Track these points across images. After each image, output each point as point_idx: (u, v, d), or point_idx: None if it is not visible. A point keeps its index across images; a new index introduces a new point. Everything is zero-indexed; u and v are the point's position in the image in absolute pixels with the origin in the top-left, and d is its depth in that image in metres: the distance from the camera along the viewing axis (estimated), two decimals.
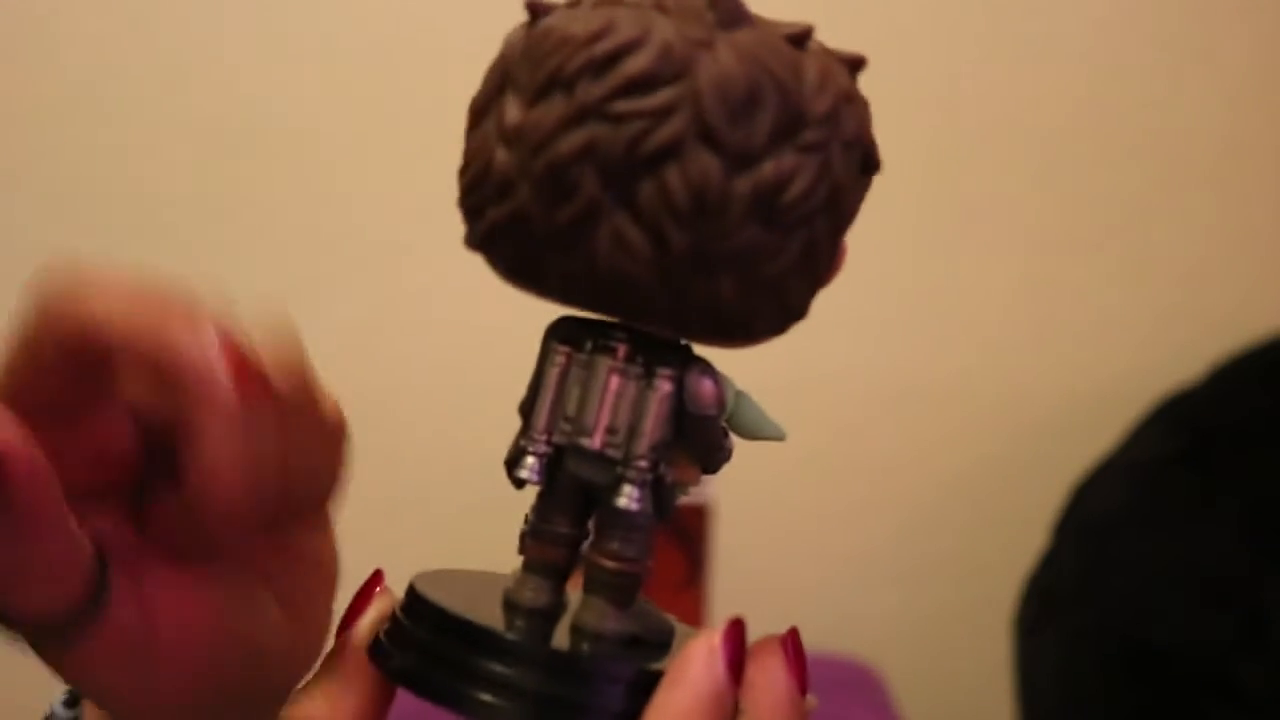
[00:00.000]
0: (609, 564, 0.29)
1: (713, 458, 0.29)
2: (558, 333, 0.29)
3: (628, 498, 0.28)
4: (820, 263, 0.28)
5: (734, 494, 1.13)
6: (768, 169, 0.26)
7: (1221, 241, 1.13)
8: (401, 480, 1.09)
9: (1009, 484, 1.14)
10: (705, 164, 0.26)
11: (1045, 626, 0.98)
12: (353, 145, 1.09)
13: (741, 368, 1.04)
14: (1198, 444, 0.97)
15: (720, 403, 0.29)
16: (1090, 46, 1.10)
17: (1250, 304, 1.11)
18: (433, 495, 1.10)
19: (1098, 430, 1.04)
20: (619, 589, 0.29)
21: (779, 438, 0.30)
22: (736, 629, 0.27)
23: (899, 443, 1.14)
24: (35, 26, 1.08)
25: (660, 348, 0.28)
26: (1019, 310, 1.13)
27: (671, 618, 0.31)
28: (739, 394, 0.30)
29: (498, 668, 0.27)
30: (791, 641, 0.29)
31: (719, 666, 0.26)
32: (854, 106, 0.28)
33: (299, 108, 1.09)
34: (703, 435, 0.29)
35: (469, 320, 0.99)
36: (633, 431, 0.28)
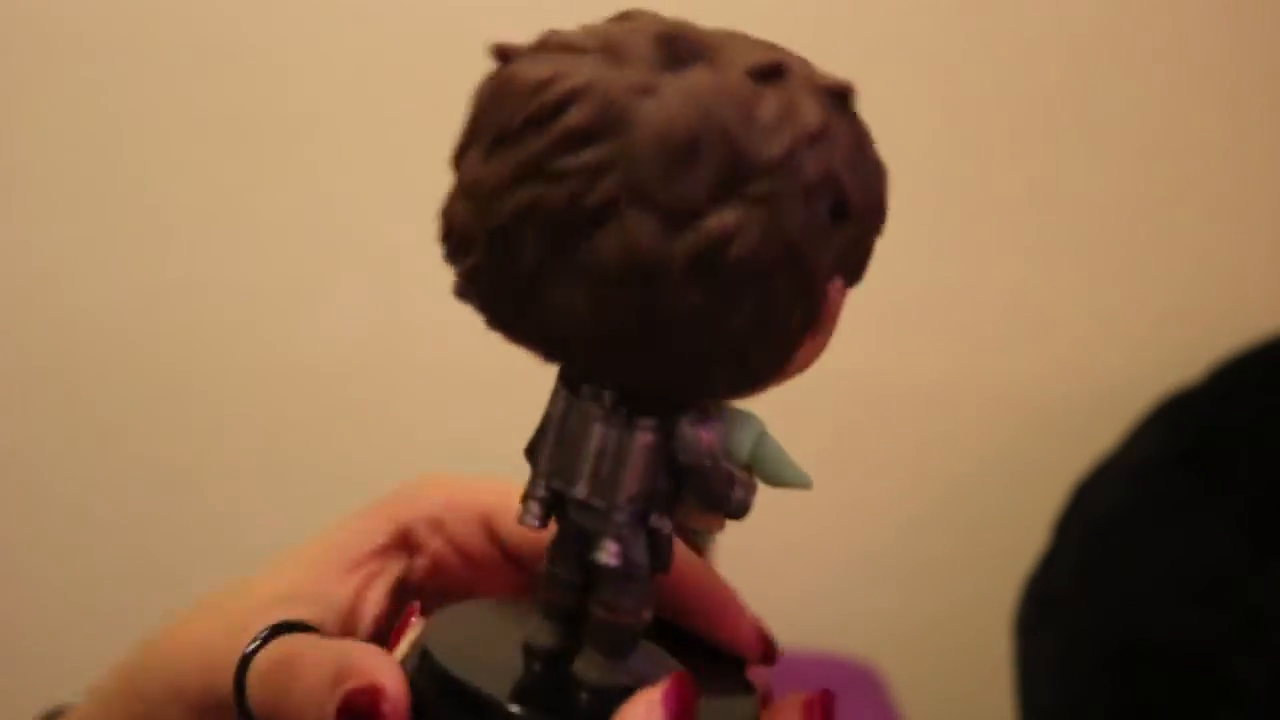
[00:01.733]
0: (600, 613, 0.29)
1: (723, 506, 0.28)
2: (563, 374, 0.28)
3: (605, 552, 0.27)
4: (785, 322, 0.26)
5: None
6: (709, 226, 0.24)
7: (1221, 241, 1.13)
8: (406, 478, 1.08)
9: (1009, 484, 1.14)
10: (641, 224, 0.24)
11: (1045, 626, 0.98)
12: (355, 143, 1.09)
13: None
14: (1198, 444, 0.97)
15: (712, 453, 0.27)
16: (1090, 46, 1.10)
17: (1250, 304, 1.11)
18: None
19: (1098, 430, 1.04)
20: (610, 639, 0.29)
21: (803, 485, 0.29)
22: (680, 685, 0.26)
23: (899, 443, 1.14)
24: (35, 26, 1.08)
25: (650, 396, 0.27)
26: (1019, 310, 1.13)
27: (674, 664, 0.30)
28: (761, 436, 0.29)
29: None
30: (820, 704, 0.28)
31: None
32: (821, 146, 0.25)
33: (299, 106, 1.09)
34: (702, 485, 0.28)
35: (474, 320, 0.99)
36: (615, 482, 0.27)
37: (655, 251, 0.24)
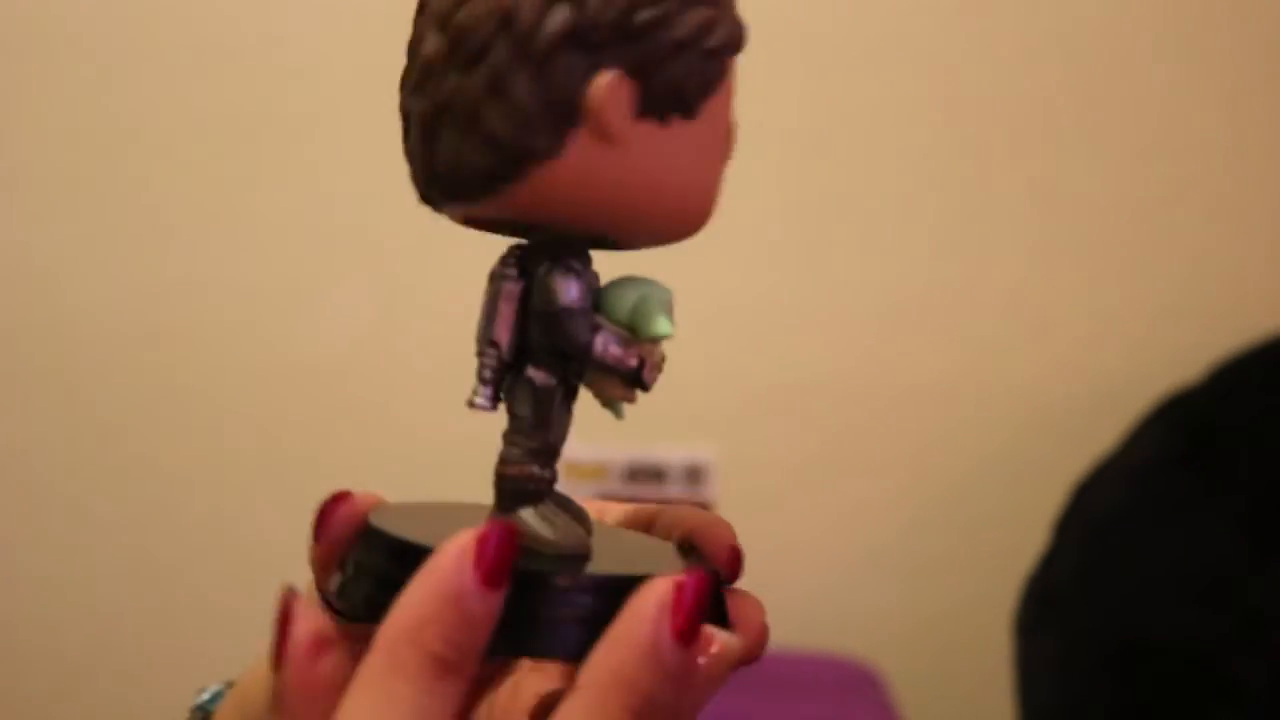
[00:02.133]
0: (496, 467, 0.30)
1: (578, 358, 0.29)
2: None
3: (475, 395, 0.29)
4: (513, 90, 0.27)
5: (734, 494, 1.13)
6: (458, 16, 0.28)
7: (1221, 241, 1.13)
8: (406, 477, 1.08)
9: (1009, 484, 1.14)
10: (429, 37, 0.28)
11: (1045, 626, 0.98)
12: (355, 143, 1.09)
13: (742, 368, 1.04)
14: (1198, 444, 0.97)
15: (564, 302, 0.28)
16: (1090, 46, 1.10)
17: (1250, 304, 1.11)
18: (439, 491, 1.10)
19: (1098, 430, 1.04)
20: (499, 491, 0.30)
21: (660, 335, 0.29)
22: (499, 536, 0.26)
23: (899, 443, 1.14)
24: (35, 26, 1.08)
25: (537, 252, 0.29)
26: (1018, 310, 1.13)
27: (591, 519, 0.31)
28: (644, 299, 0.29)
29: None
30: (688, 586, 0.26)
31: (466, 567, 0.25)
32: None
33: (299, 107, 1.09)
34: (548, 333, 0.29)
35: (474, 320, 0.99)
36: (485, 331, 0.29)
37: (433, 52, 0.28)
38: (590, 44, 0.27)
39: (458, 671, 0.25)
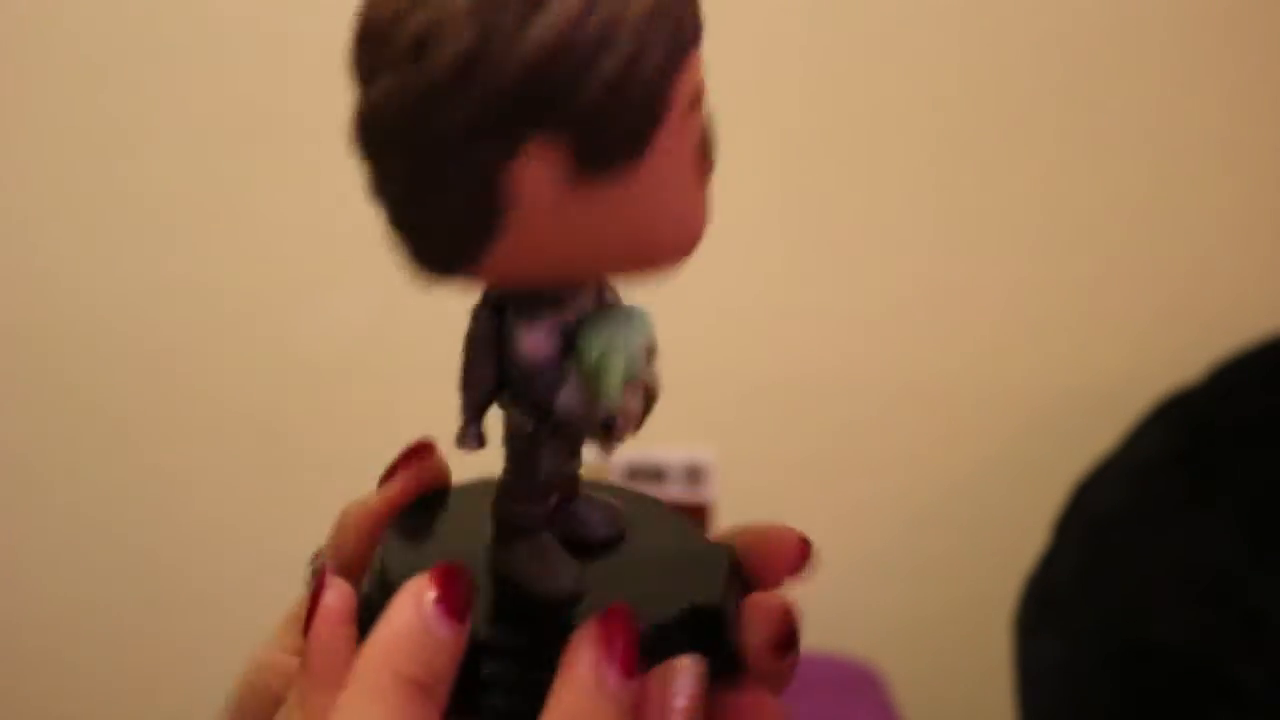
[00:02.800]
0: (493, 502, 0.30)
1: (541, 411, 0.28)
2: None
3: (459, 431, 0.29)
4: (435, 186, 0.25)
5: (734, 494, 1.13)
6: (362, 97, 0.26)
7: (1221, 241, 1.13)
8: None
9: (1009, 484, 1.14)
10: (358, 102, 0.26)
11: (1045, 626, 0.98)
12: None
13: (742, 367, 1.04)
14: (1198, 444, 0.97)
15: (527, 351, 0.27)
16: (1090, 45, 1.10)
17: (1250, 304, 1.11)
18: None
19: (1098, 430, 1.04)
20: (497, 529, 0.30)
21: (610, 406, 0.27)
22: (448, 575, 0.27)
23: (899, 442, 1.14)
24: (35, 26, 1.08)
25: (508, 300, 0.28)
26: (1018, 310, 1.13)
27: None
28: (608, 352, 0.27)
29: None
30: (612, 623, 0.27)
31: (425, 606, 0.26)
32: (426, 3, 0.24)
33: (299, 106, 1.09)
34: (514, 382, 0.28)
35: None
36: (461, 373, 0.29)
37: (353, 145, 0.26)
38: (498, 127, 0.23)
39: (429, 694, 0.26)
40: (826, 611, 1.17)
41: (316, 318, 1.11)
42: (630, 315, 0.27)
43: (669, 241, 0.26)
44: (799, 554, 0.31)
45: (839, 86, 1.07)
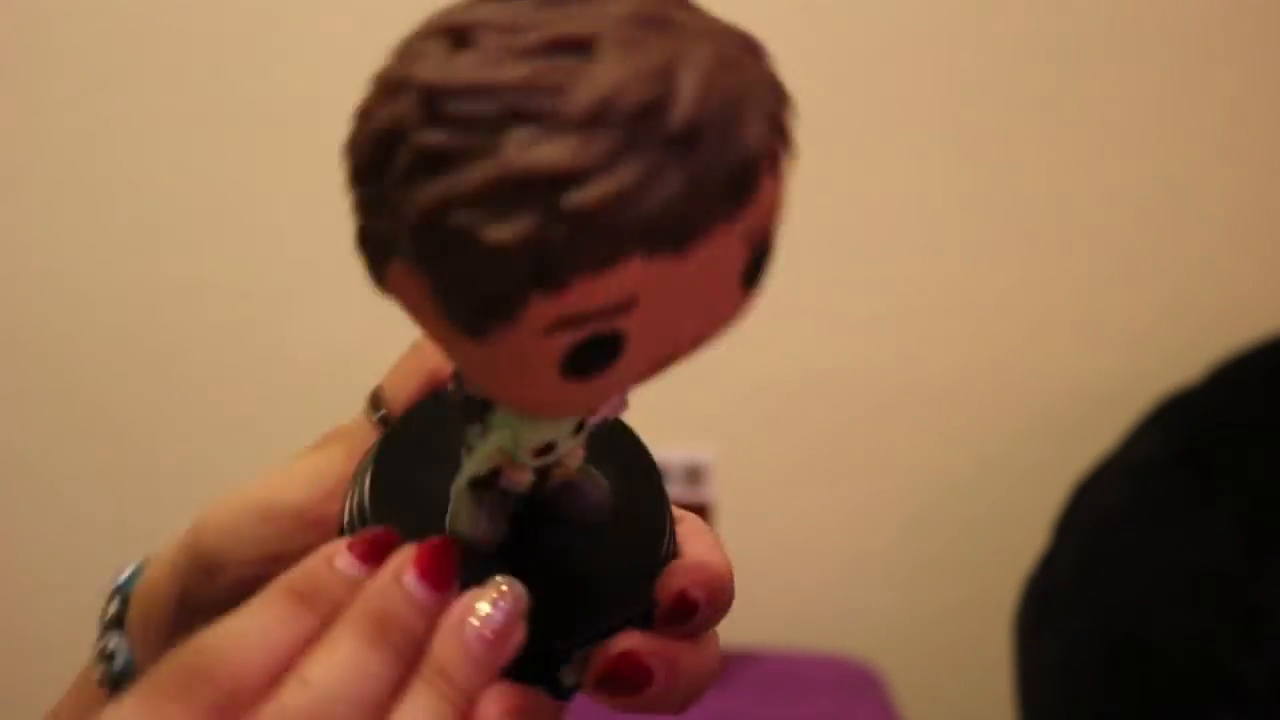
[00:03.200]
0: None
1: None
2: None
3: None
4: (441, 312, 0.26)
5: (734, 494, 1.13)
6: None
7: (1221, 241, 1.13)
8: None
9: (1009, 484, 1.14)
10: None
11: (1045, 626, 0.98)
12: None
13: (742, 367, 1.04)
14: (1198, 444, 0.97)
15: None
16: (1090, 45, 1.10)
17: (1250, 304, 1.11)
18: None
19: (1098, 430, 1.04)
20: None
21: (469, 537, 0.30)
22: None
23: (899, 443, 1.14)
24: (35, 26, 1.08)
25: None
26: (1019, 310, 1.13)
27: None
28: (463, 488, 0.30)
29: None
30: (430, 545, 0.28)
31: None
32: (388, 101, 0.23)
33: (300, 106, 1.09)
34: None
35: None
36: None
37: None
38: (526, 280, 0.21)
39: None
40: (826, 611, 1.17)
41: (317, 318, 1.11)
42: (506, 425, 0.30)
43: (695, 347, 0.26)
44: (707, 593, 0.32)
45: (839, 87, 1.07)
